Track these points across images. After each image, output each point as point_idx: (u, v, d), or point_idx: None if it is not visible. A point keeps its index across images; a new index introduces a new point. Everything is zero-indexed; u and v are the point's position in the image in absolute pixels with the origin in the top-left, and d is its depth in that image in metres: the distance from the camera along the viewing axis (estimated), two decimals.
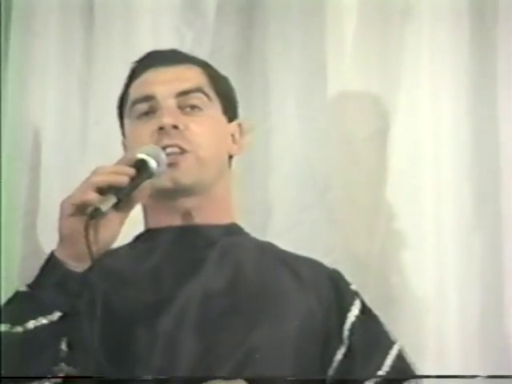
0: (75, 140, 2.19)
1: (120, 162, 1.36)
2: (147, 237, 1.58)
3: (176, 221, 1.56)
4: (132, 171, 1.34)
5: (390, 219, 2.19)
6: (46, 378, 1.35)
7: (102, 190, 1.31)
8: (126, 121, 1.62)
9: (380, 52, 2.30)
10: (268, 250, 1.61)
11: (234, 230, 1.61)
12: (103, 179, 1.32)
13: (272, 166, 2.17)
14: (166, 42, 2.15)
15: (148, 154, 1.40)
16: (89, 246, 1.28)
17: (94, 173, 1.33)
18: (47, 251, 1.45)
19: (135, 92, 1.59)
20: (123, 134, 1.66)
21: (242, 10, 2.28)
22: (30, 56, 2.21)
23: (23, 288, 1.38)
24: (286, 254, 1.62)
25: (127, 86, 1.63)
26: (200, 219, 1.56)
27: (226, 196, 1.62)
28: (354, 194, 2.19)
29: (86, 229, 1.28)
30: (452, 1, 2.30)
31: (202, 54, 2.00)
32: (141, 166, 1.37)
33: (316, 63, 2.27)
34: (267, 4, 2.27)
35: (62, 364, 1.35)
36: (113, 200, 1.32)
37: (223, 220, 1.59)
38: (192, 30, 2.23)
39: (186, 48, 2.04)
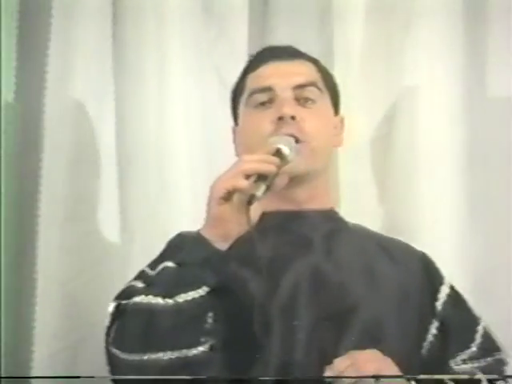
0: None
1: (263, 152, 1.54)
2: (261, 219, 1.69)
3: (286, 206, 1.71)
4: (277, 161, 1.53)
5: None
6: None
7: (248, 177, 1.48)
8: (242, 109, 1.75)
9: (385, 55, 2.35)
10: (363, 233, 1.77)
11: (333, 215, 1.77)
12: (254, 167, 1.49)
13: None
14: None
15: (284, 144, 1.59)
16: (250, 228, 1.49)
17: (243, 161, 1.51)
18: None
19: (253, 83, 1.73)
20: (235, 120, 1.80)
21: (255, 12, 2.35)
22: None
23: (171, 264, 1.53)
24: (378, 236, 1.79)
25: (243, 77, 1.77)
26: (306, 205, 1.72)
27: (327, 184, 1.78)
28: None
29: (247, 213, 1.47)
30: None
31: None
32: (279, 155, 1.56)
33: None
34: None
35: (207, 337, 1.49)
36: (263, 187, 1.49)
37: (325, 206, 1.75)
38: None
39: None
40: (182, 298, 1.50)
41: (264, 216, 1.70)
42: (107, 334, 1.57)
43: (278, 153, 1.57)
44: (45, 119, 2.31)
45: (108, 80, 2.35)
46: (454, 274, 1.98)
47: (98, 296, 2.18)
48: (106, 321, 1.60)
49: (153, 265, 1.63)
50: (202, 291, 1.50)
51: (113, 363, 1.55)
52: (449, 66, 2.32)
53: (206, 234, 1.52)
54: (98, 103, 2.35)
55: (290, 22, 2.26)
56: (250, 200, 1.48)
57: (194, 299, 1.50)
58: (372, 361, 1.48)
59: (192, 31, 2.32)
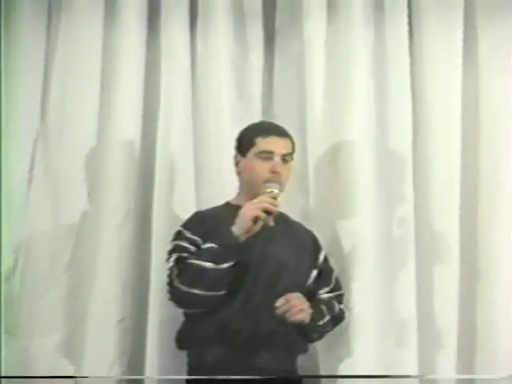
0: None
1: (269, 197, 2.79)
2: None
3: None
4: (277, 203, 2.80)
5: None
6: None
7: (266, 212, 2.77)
8: (250, 155, 2.92)
9: None
10: (294, 224, 3.10)
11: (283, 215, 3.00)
12: (267, 207, 2.76)
13: None
14: None
15: (276, 189, 2.83)
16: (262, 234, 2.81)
17: (261, 201, 2.76)
18: None
19: (262, 145, 2.91)
20: (239, 157, 2.96)
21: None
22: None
23: (213, 245, 2.75)
24: (295, 223, 3.11)
25: (255, 136, 2.92)
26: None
27: None
28: None
29: (257, 229, 2.77)
30: None
31: None
32: (275, 197, 2.82)
33: None
34: None
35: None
36: (271, 218, 2.77)
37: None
38: None
39: None
40: (220, 265, 2.75)
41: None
42: (170, 275, 2.80)
43: (274, 196, 2.82)
44: None
45: None
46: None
47: None
48: (170, 265, 2.82)
49: (186, 226, 2.90)
50: (231, 263, 2.77)
51: (175, 292, 2.79)
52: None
53: (235, 231, 2.77)
54: None
55: None
56: (265, 224, 2.78)
57: (227, 267, 2.76)
58: (297, 297, 2.87)
59: None
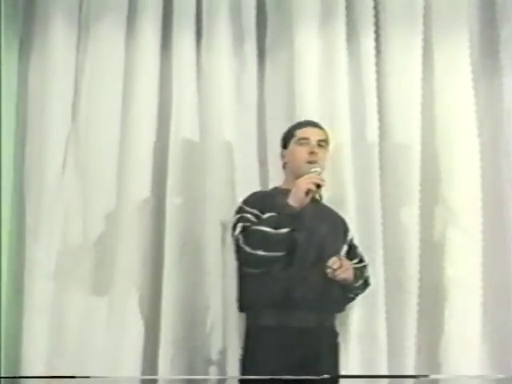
0: None
1: (317, 174, 3.34)
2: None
3: None
4: (323, 179, 3.34)
5: None
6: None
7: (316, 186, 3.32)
8: (292, 144, 3.52)
9: None
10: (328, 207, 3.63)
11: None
12: (316, 181, 3.29)
13: None
14: None
15: (318, 167, 3.38)
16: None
17: (310, 177, 3.30)
18: None
19: (300, 134, 3.52)
20: (284, 151, 3.57)
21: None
22: None
23: (273, 214, 3.30)
24: (330, 208, 3.64)
25: (293, 130, 3.54)
26: None
27: None
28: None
29: (312, 199, 3.33)
30: None
31: None
32: (319, 174, 3.36)
33: None
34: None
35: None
36: (320, 192, 3.32)
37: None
38: None
39: None
40: (279, 230, 3.27)
41: None
42: (237, 241, 3.32)
43: (318, 173, 3.37)
44: None
45: None
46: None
47: None
48: (236, 234, 3.34)
49: (250, 201, 3.45)
50: (288, 229, 3.29)
51: (242, 255, 3.32)
52: None
53: (291, 202, 3.30)
54: None
55: None
56: (318, 196, 3.34)
57: (285, 232, 3.28)
58: (345, 258, 3.46)
59: None
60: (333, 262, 3.32)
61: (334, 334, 3.44)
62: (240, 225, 3.32)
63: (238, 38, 3.95)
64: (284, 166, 3.58)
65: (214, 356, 3.61)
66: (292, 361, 3.23)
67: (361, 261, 3.59)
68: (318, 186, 3.28)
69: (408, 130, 3.93)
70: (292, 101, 3.87)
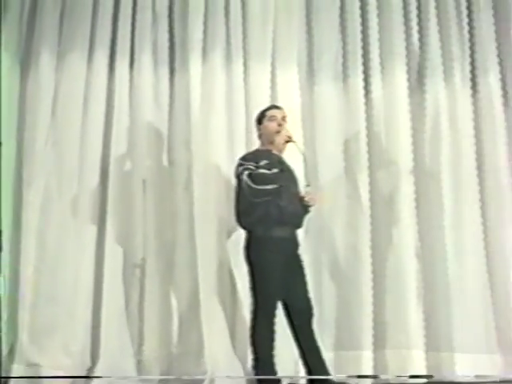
0: None
1: (283, 137, 4.92)
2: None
3: None
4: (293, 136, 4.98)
5: None
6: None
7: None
8: (264, 121, 4.97)
9: None
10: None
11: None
12: (290, 135, 4.92)
13: None
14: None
15: (288, 134, 4.98)
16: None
17: (286, 133, 4.94)
18: None
19: (269, 113, 4.98)
20: (259, 127, 5.01)
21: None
22: None
23: (266, 161, 4.81)
24: None
25: (264, 112, 5.02)
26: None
27: None
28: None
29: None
30: None
31: None
32: (290, 137, 4.97)
33: None
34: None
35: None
36: (294, 141, 4.98)
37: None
38: None
39: None
40: (272, 171, 4.74)
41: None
42: (247, 182, 4.72)
43: (289, 137, 4.92)
44: None
45: None
46: None
47: None
48: (245, 178, 4.72)
49: (247, 157, 4.89)
50: (278, 170, 4.77)
51: (252, 191, 4.71)
52: None
53: (275, 150, 4.91)
54: None
55: None
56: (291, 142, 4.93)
57: (277, 171, 4.74)
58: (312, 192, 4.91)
59: None
60: (307, 193, 4.82)
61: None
62: (246, 172, 4.73)
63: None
64: (259, 136, 5.03)
65: None
66: (285, 254, 4.75)
67: None
68: (290, 140, 4.86)
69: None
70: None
